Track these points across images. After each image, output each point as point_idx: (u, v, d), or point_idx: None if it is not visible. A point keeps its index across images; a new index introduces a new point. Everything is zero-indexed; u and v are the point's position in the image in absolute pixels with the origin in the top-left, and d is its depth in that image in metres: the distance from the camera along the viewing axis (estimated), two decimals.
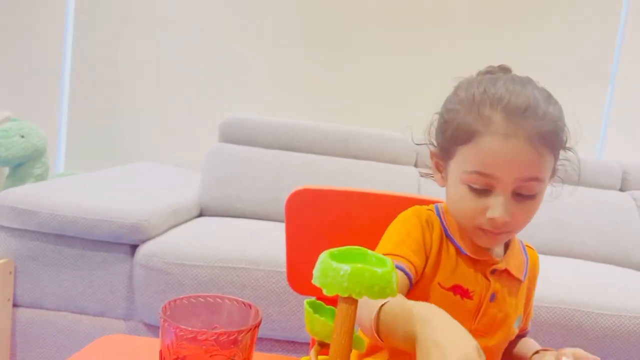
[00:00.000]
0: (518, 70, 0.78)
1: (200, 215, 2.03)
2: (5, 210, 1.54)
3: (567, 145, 0.75)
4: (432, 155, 0.80)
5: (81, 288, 1.58)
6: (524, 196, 0.70)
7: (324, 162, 2.10)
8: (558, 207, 2.11)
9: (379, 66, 2.45)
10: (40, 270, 1.58)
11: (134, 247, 1.58)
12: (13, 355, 1.60)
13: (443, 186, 0.79)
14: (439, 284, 0.76)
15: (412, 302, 0.58)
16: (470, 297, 0.76)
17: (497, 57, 0.89)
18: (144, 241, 1.58)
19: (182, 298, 0.57)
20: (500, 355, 0.80)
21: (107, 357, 0.67)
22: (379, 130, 2.22)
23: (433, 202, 0.86)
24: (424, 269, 0.76)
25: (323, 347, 0.53)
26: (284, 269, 1.54)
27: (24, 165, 2.14)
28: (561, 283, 1.64)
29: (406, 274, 0.72)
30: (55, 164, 2.51)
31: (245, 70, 2.49)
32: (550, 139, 0.70)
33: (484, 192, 0.71)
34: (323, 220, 1.00)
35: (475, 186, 0.71)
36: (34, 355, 1.61)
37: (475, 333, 0.64)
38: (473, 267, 0.77)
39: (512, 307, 0.79)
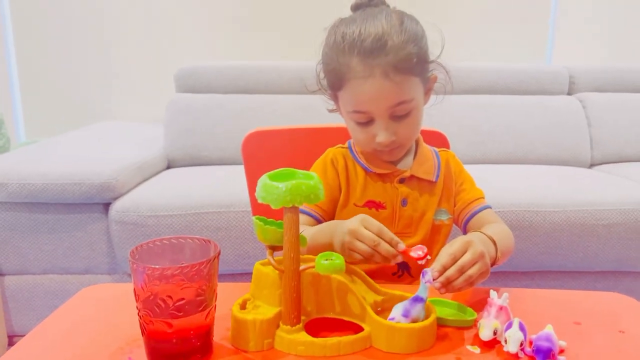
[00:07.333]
0: None
1: (168, 167, 2.08)
2: None
3: (435, 58, 0.85)
4: (331, 98, 0.91)
5: (62, 250, 1.64)
6: (401, 116, 0.83)
7: (281, 100, 2.14)
8: (510, 117, 2.21)
9: None
10: (19, 239, 1.63)
11: (107, 205, 1.64)
12: (8, 321, 1.68)
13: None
14: (354, 204, 0.90)
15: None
16: (383, 207, 0.90)
17: None
18: (115, 198, 1.63)
19: (148, 242, 0.64)
20: (432, 249, 0.90)
21: (93, 305, 0.74)
22: None
23: None
24: (340, 199, 0.91)
25: (274, 249, 0.66)
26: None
27: None
28: (513, 188, 1.75)
29: (312, 216, 0.89)
30: (15, 134, 2.50)
31: (194, 18, 2.46)
32: (405, 66, 0.79)
33: (367, 123, 0.85)
34: (278, 158, 1.06)
35: (359, 120, 0.85)
36: (29, 317, 1.69)
37: (398, 235, 0.73)
38: (381, 181, 0.90)
39: (427, 205, 0.91)
